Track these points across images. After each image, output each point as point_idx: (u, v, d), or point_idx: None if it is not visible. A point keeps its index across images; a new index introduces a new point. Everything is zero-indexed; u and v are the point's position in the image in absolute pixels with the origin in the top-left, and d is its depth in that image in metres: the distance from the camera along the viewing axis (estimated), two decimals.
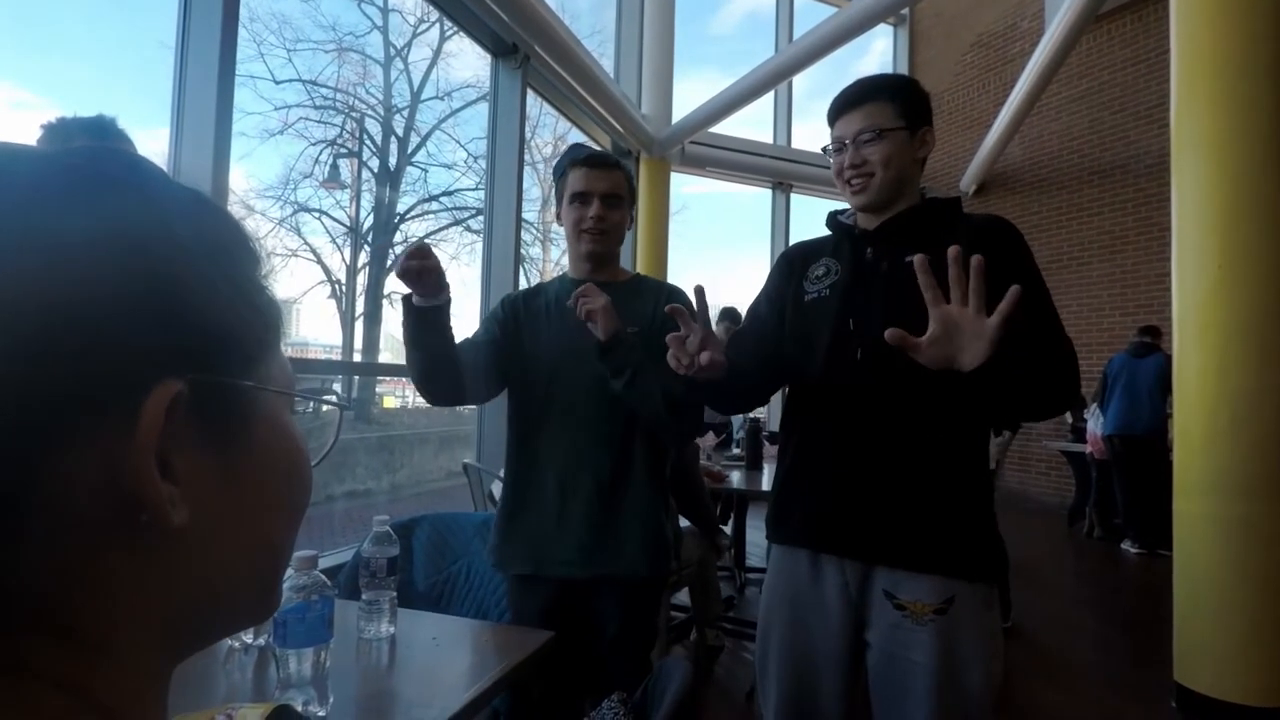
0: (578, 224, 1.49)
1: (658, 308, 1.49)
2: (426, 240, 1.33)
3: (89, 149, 0.28)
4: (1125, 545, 5.10)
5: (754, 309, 1.45)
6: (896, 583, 1.16)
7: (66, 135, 1.30)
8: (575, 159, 1.51)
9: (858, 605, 1.21)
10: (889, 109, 1.21)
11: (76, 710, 0.24)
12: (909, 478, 1.16)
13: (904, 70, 8.54)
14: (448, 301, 1.32)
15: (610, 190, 1.48)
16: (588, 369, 1.41)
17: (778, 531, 1.31)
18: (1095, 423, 5.46)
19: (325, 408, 0.40)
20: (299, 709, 0.82)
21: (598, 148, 1.60)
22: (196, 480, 0.27)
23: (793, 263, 1.38)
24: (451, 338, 1.37)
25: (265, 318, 0.31)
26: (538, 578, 1.43)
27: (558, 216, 1.56)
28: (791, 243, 1.41)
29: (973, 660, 1.12)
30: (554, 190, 1.58)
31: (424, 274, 1.25)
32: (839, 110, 1.26)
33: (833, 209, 1.39)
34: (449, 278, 1.31)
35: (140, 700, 0.27)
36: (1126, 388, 4.86)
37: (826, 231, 1.39)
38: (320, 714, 0.88)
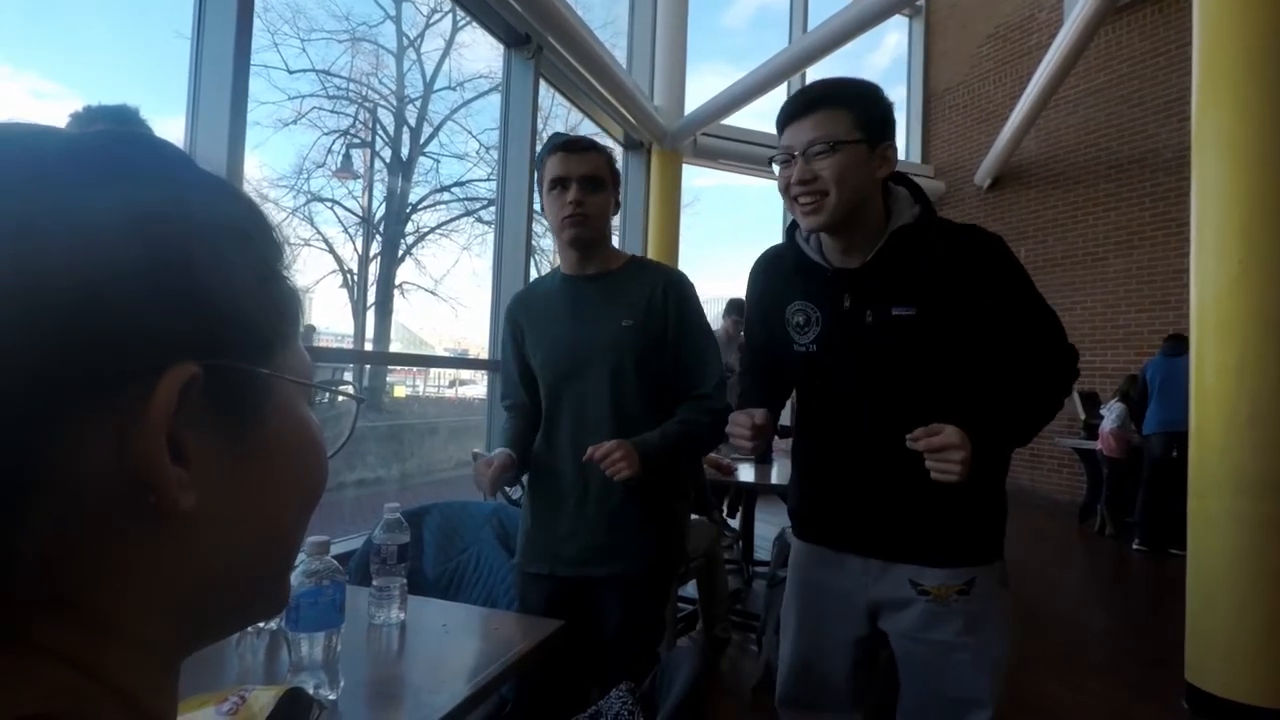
0: (559, 213, 1.42)
1: (654, 295, 1.44)
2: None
3: (112, 132, 0.27)
4: (1136, 544, 5.06)
5: (750, 334, 1.44)
6: (920, 574, 1.20)
7: (91, 123, 1.31)
8: (552, 145, 1.45)
9: (875, 593, 1.24)
10: (845, 118, 1.08)
11: (84, 686, 0.24)
12: (926, 488, 1.12)
13: (919, 63, 8.46)
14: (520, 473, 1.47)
15: (589, 173, 1.41)
16: (590, 369, 1.42)
17: (802, 530, 1.35)
18: (1110, 420, 5.42)
19: (341, 399, 0.40)
20: (310, 692, 0.83)
21: (602, 143, 1.54)
22: (207, 465, 0.27)
23: (767, 287, 1.32)
24: (529, 447, 1.51)
25: (284, 307, 0.31)
26: (551, 576, 1.43)
27: (543, 210, 1.49)
28: None
29: (997, 632, 1.19)
30: (535, 184, 1.53)
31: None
32: (788, 117, 1.12)
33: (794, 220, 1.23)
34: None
35: (151, 684, 0.27)
36: (1165, 387, 4.84)
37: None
38: (331, 697, 0.89)
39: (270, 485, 0.30)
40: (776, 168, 1.15)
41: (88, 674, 0.25)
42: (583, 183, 1.41)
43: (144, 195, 0.26)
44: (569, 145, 1.44)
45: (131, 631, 0.26)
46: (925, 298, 1.12)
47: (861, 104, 1.09)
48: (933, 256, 1.12)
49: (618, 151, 5.29)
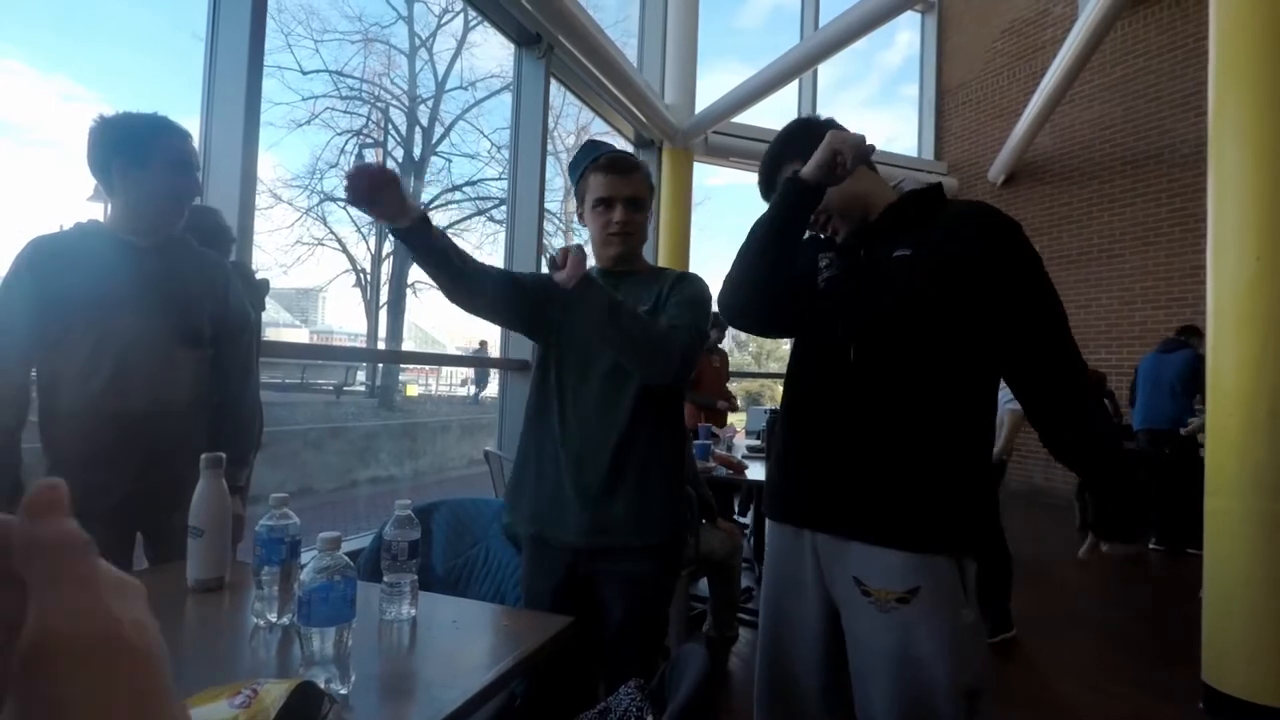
0: (604, 229, 1.51)
1: (666, 286, 1.51)
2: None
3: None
4: (1152, 543, 5.01)
5: None
6: (867, 567, 1.15)
7: (129, 128, 1.45)
8: (595, 163, 1.50)
9: (829, 585, 1.22)
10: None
11: None
12: (886, 455, 1.15)
13: (931, 59, 8.40)
14: (417, 221, 1.26)
15: (633, 194, 1.49)
16: (602, 357, 1.44)
17: (772, 508, 1.35)
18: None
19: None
20: (321, 686, 0.83)
21: (614, 144, 1.57)
22: None
23: (814, 242, 1.39)
24: (444, 252, 1.32)
25: None
26: (547, 547, 1.45)
27: (579, 216, 1.57)
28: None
29: (937, 654, 1.08)
30: (573, 188, 1.58)
31: (374, 190, 1.18)
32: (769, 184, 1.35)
33: None
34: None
35: None
36: (1151, 383, 4.79)
37: None
38: (342, 692, 0.90)
39: None
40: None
41: None
42: (627, 204, 1.49)
43: None
44: (614, 166, 1.49)
45: None
46: (922, 242, 1.16)
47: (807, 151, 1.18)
48: (940, 211, 1.20)
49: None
